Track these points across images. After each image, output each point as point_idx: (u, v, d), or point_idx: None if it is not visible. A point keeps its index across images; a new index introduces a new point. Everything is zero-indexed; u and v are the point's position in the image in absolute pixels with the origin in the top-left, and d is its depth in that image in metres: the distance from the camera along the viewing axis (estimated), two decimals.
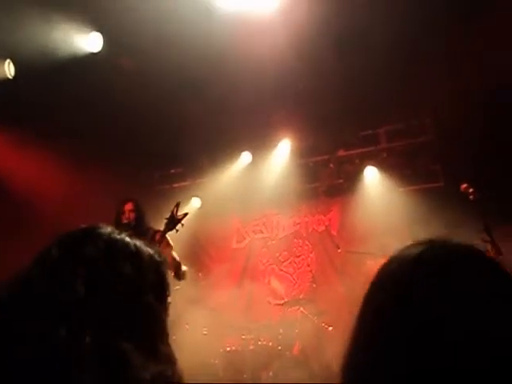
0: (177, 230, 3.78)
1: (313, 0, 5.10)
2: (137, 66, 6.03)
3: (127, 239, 0.82)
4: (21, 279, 0.74)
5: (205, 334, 5.70)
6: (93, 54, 5.52)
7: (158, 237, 3.91)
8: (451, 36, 5.45)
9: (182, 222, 3.77)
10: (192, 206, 8.02)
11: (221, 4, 4.95)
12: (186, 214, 3.79)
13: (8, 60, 5.13)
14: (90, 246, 0.77)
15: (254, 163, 7.79)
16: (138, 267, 0.79)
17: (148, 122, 6.74)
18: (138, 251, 0.81)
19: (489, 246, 3.50)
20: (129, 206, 4.18)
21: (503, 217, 4.99)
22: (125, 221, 4.06)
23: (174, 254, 4.01)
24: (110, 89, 5.85)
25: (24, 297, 0.71)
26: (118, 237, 0.82)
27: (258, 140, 7.61)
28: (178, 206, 3.83)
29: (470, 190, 3.52)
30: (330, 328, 5.86)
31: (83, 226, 0.85)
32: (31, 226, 6.56)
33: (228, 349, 5.90)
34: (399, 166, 7.19)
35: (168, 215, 3.79)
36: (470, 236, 6.02)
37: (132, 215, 4.14)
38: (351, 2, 5.04)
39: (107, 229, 0.83)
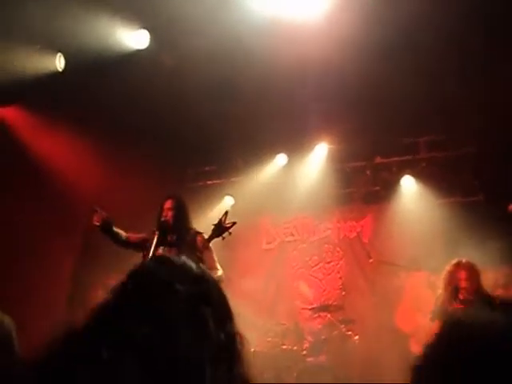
0: (223, 238, 3.76)
1: (357, 4, 5.03)
2: (179, 64, 6.10)
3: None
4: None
5: None
6: (139, 51, 5.61)
7: (200, 239, 3.92)
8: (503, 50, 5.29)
9: (230, 230, 3.74)
10: (225, 204, 8.08)
11: (266, 8, 4.94)
12: (234, 223, 3.74)
13: (59, 53, 5.28)
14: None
15: (289, 165, 7.77)
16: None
17: (185, 119, 6.81)
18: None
19: None
20: (168, 204, 4.09)
21: None
22: (162, 218, 4.01)
23: (216, 258, 3.99)
24: (152, 85, 5.95)
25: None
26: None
27: (295, 142, 7.58)
28: (226, 214, 3.79)
29: None
30: (357, 337, 5.81)
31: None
32: (66, 215, 6.76)
33: (252, 350, 5.92)
34: (437, 178, 7.03)
35: (215, 222, 3.78)
36: (510, 257, 5.84)
37: (170, 214, 4.03)
38: (398, 4, 4.92)
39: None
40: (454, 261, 4.43)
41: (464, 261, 4.39)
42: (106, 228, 3.90)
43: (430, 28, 5.11)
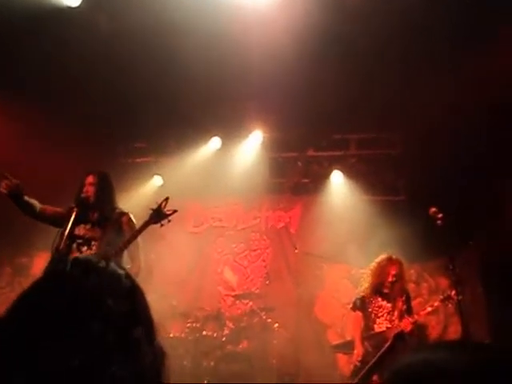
0: (161, 225, 3.56)
1: (306, 2, 5.01)
2: (115, 30, 5.70)
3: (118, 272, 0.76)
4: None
5: None
6: (70, 9, 5.16)
7: (125, 222, 3.69)
8: (433, 56, 5.53)
9: (170, 218, 3.55)
10: (153, 183, 7.81)
11: None
12: (175, 211, 3.55)
13: None
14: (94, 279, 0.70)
15: (222, 150, 7.65)
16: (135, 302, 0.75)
17: (119, 92, 6.43)
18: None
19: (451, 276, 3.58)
20: (90, 179, 3.79)
21: (462, 243, 5.17)
22: (83, 194, 3.71)
23: (139, 243, 3.78)
24: (83, 49, 5.52)
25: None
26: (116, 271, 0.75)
27: (230, 127, 7.46)
28: (166, 200, 3.58)
29: (439, 216, 3.56)
30: (276, 325, 5.88)
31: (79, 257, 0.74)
32: None
33: (171, 335, 5.81)
34: (365, 175, 7.28)
35: (154, 207, 3.55)
36: (425, 255, 6.19)
37: (91, 189, 3.74)
38: (342, 9, 4.99)
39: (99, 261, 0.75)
40: (385, 255, 4.60)
41: (394, 257, 4.58)
42: (16, 196, 3.55)
43: (369, 31, 5.21)
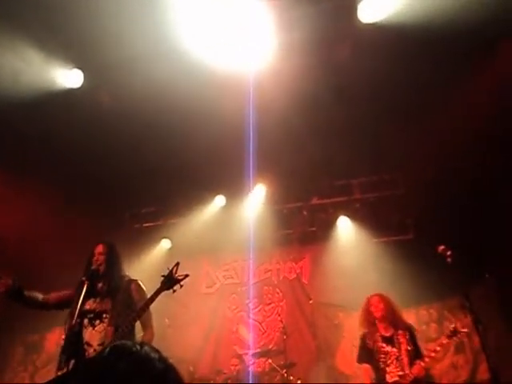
0: (174, 291, 3.46)
1: (295, 59, 5.26)
2: (116, 104, 5.97)
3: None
4: None
5: None
6: (72, 90, 5.44)
7: (134, 289, 3.67)
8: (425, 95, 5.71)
9: (182, 283, 3.47)
10: (162, 247, 7.84)
11: (208, 57, 5.01)
12: (186, 276, 3.47)
13: None
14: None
15: (227, 207, 7.74)
16: None
17: (122, 160, 6.63)
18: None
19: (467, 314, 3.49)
20: (99, 249, 3.80)
21: (478, 277, 5.07)
22: (93, 265, 3.71)
23: (151, 312, 3.73)
24: (86, 125, 5.76)
25: None
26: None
27: (233, 184, 7.58)
28: (177, 265, 3.52)
29: (448, 253, 3.51)
30: (299, 382, 5.68)
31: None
32: None
33: None
34: (372, 217, 7.29)
35: (165, 273, 3.52)
36: (443, 293, 6.06)
37: (101, 258, 3.74)
38: (333, 60, 5.22)
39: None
40: (368, 296, 4.43)
41: (373, 295, 4.41)
42: (16, 294, 3.52)
43: (363, 78, 5.41)
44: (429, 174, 6.43)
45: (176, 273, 3.49)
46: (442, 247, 3.58)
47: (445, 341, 4.09)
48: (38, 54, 4.91)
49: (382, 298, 4.36)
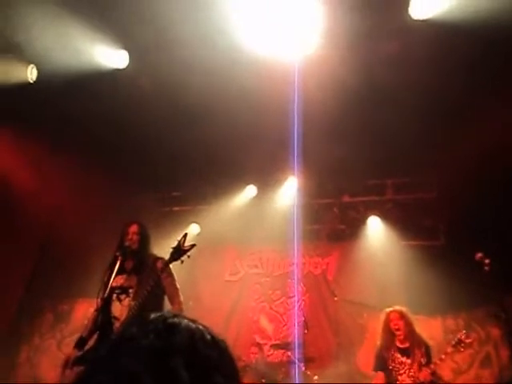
0: (182, 261, 3.62)
1: (340, 53, 5.18)
2: (156, 89, 6.04)
3: (200, 327, 0.86)
4: (121, 373, 0.73)
5: None
6: (117, 71, 5.53)
7: (159, 265, 3.77)
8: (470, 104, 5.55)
9: (189, 253, 3.63)
10: (190, 231, 7.92)
11: (253, 44, 5.00)
12: (193, 246, 3.64)
13: (32, 65, 5.13)
14: (178, 336, 0.80)
15: (258, 197, 7.74)
16: (220, 353, 0.83)
17: (157, 144, 6.71)
18: (213, 339, 0.86)
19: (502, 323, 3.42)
20: (133, 229, 3.98)
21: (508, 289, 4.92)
22: (127, 243, 3.88)
23: (177, 284, 3.87)
24: (127, 107, 5.85)
25: None
26: (193, 326, 0.85)
27: (266, 175, 7.58)
28: (185, 236, 3.68)
29: (486, 261, 3.43)
30: (316, 377, 5.67)
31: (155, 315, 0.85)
32: (25, 233, 6.46)
33: None
34: (402, 219, 7.16)
35: (174, 244, 3.65)
36: (472, 302, 5.92)
37: (135, 238, 3.93)
38: (378, 59, 5.13)
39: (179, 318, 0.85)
40: (388, 309, 4.55)
41: (395, 309, 4.51)
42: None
43: (408, 76, 5.30)
44: (463, 180, 6.27)
45: (184, 244, 3.58)
46: (479, 255, 3.50)
47: (449, 349, 4.22)
48: (87, 33, 5.00)
49: (402, 315, 4.50)
